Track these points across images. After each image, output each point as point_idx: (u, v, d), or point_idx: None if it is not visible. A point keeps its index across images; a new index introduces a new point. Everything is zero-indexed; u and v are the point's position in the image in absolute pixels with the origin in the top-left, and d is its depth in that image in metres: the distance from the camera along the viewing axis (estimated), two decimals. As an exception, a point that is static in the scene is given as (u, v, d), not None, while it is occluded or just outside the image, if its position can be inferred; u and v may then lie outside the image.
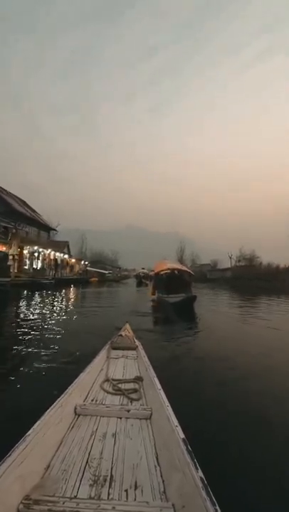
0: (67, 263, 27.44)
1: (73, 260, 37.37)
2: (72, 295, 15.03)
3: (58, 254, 22.89)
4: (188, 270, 12.63)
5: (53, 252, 22.67)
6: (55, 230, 31.04)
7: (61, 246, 35.31)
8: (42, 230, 27.25)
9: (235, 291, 24.12)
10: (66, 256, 26.67)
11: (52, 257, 22.90)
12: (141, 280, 31.86)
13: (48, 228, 28.85)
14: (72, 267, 34.42)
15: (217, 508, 0.88)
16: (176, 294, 10.07)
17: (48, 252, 22.58)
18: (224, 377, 3.30)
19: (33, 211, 27.66)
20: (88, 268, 38.67)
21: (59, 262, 22.66)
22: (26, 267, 21.31)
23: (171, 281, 11.15)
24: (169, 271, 11.64)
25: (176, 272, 11.71)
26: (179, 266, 12.64)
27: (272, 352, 4.68)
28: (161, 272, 11.66)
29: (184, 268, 12.69)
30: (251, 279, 35.67)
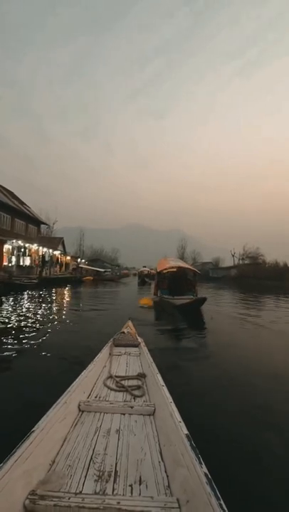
0: (58, 260, 24.62)
1: (68, 258, 34.88)
2: (54, 298, 12.29)
3: (45, 249, 20.18)
4: (193, 269, 11.71)
5: (40, 248, 19.98)
6: (46, 224, 28.31)
7: (55, 242, 32.78)
8: (31, 224, 24.55)
9: (243, 290, 22.32)
10: (57, 252, 23.91)
11: (40, 253, 20.24)
12: (144, 279, 28.93)
13: (38, 222, 26.23)
14: (67, 264, 31.95)
15: (221, 502, 0.89)
16: (181, 296, 9.27)
17: (33, 247, 19.95)
18: (231, 379, 3.24)
19: (22, 203, 25.04)
20: (82, 266, 35.97)
21: (47, 258, 19.94)
22: (11, 264, 18.86)
23: (175, 281, 10.31)
24: (172, 269, 10.75)
25: (180, 270, 10.80)
26: (183, 264, 11.70)
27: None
28: (164, 271, 10.76)
29: (189, 266, 11.77)
30: (260, 278, 33.44)
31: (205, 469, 1.03)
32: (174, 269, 10.82)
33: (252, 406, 2.58)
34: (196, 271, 11.58)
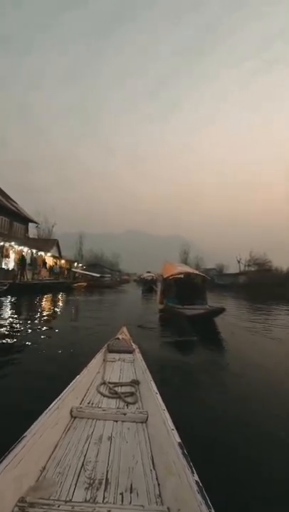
0: (45, 262, 21.32)
1: (63, 261, 31.84)
2: (15, 313, 8.84)
3: (26, 249, 17.00)
4: (203, 274, 10.84)
5: (21, 248, 16.77)
6: (35, 222, 25.29)
7: (49, 244, 29.74)
8: (17, 222, 21.57)
9: (257, 299, 19.90)
10: (43, 253, 20.70)
11: (22, 254, 17.04)
12: (151, 286, 25.28)
13: (26, 220, 23.29)
14: (61, 268, 28.82)
15: (212, 511, 0.88)
16: (193, 305, 8.48)
17: (15, 246, 16.81)
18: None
19: (7, 198, 22.12)
20: (77, 270, 32.75)
21: (28, 260, 16.72)
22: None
23: (183, 288, 9.53)
24: (181, 275, 10.01)
25: (189, 276, 10.16)
26: (191, 269, 11.20)
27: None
28: (171, 277, 9.96)
29: (198, 272, 11.10)
30: (271, 285, 30.35)
31: (196, 477, 1.01)
32: (183, 275, 10.01)
33: (246, 414, 2.58)
34: (206, 277, 10.77)
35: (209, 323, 7.30)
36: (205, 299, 9.45)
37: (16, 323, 6.75)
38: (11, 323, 6.78)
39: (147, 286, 25.79)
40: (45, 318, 8.08)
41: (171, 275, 9.92)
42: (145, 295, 20.52)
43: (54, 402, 1.56)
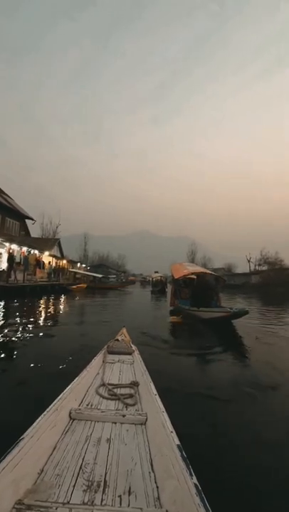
0: (39, 262, 19.21)
1: (64, 261, 30.05)
2: None
3: (13, 246, 15.03)
4: (216, 274, 10.17)
5: (10, 245, 14.83)
6: (31, 218, 23.47)
7: (49, 244, 27.99)
8: (10, 218, 19.83)
9: (274, 300, 18.16)
10: (36, 252, 18.62)
11: (16, 253, 15.10)
12: (163, 287, 23.60)
13: (21, 216, 21.52)
14: (62, 269, 26.99)
15: None
16: (209, 308, 7.89)
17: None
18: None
19: (0, 191, 20.38)
20: (75, 270, 30.82)
21: (18, 259, 14.79)
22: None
23: (197, 289, 8.95)
24: (194, 276, 9.55)
25: (203, 277, 9.49)
26: (203, 269, 10.68)
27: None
28: (183, 278, 9.53)
29: (211, 272, 10.37)
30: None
31: (195, 480, 1.01)
32: (196, 276, 9.50)
33: (246, 416, 2.51)
34: (220, 277, 10.11)
35: (229, 327, 6.89)
36: (219, 301, 9.00)
37: None
38: None
39: (159, 287, 24.11)
40: (13, 332, 6.06)
41: (183, 275, 9.29)
42: (156, 297, 18.97)
43: (53, 404, 1.54)
